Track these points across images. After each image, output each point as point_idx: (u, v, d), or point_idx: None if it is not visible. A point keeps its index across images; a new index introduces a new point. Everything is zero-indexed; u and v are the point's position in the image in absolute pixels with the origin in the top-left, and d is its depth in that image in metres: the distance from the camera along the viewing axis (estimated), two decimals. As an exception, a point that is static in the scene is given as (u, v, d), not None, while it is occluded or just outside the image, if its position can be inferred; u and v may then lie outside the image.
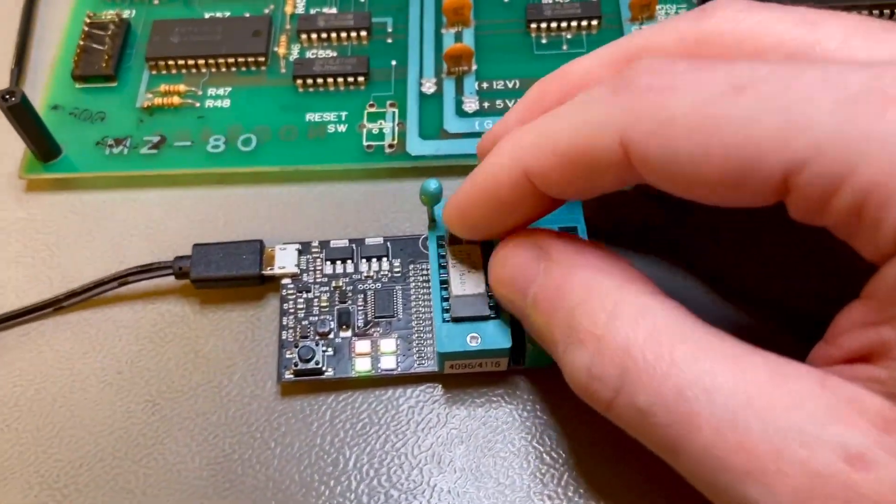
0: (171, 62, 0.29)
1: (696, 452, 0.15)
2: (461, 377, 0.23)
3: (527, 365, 0.22)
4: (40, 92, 0.29)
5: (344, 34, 0.29)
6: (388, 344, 0.23)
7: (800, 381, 0.15)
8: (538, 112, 0.19)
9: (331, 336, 0.23)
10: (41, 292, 0.25)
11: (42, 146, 0.26)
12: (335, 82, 0.28)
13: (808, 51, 0.17)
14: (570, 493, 0.21)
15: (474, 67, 0.28)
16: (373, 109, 0.28)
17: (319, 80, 0.28)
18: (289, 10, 0.30)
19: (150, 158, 0.27)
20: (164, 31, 0.29)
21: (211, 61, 0.29)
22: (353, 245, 0.24)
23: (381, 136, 0.27)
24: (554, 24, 0.29)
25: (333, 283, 0.24)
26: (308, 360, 0.23)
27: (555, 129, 0.18)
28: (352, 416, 0.23)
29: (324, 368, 0.23)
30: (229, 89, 0.28)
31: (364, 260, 0.24)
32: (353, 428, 0.22)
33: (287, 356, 0.23)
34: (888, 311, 0.15)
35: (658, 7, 0.29)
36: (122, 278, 0.24)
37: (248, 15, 0.30)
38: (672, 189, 0.17)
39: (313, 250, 0.24)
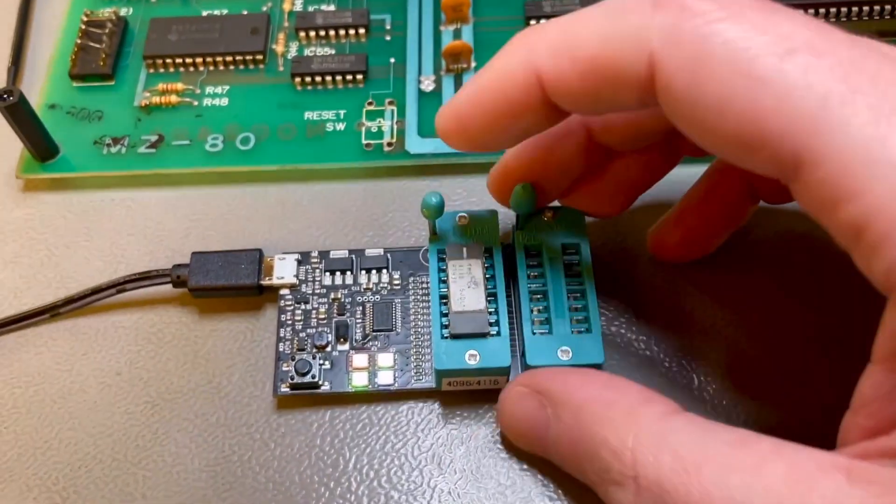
0: (168, 60, 0.29)
1: None
2: (460, 394, 0.22)
3: None
4: (37, 91, 0.29)
5: (342, 31, 0.29)
6: (386, 359, 0.23)
7: (827, 481, 0.15)
8: None
9: (328, 349, 0.23)
10: (39, 293, 0.25)
11: (40, 146, 0.26)
12: (333, 80, 0.28)
13: None
14: (571, 494, 0.21)
15: (473, 65, 0.28)
16: (371, 107, 0.27)
17: (318, 78, 0.28)
18: (287, 7, 0.30)
19: (149, 158, 0.27)
20: (162, 29, 0.29)
21: (209, 59, 0.29)
22: (353, 256, 0.24)
23: (379, 134, 0.27)
24: (554, 21, 0.29)
25: (332, 295, 0.24)
26: (305, 374, 0.22)
27: (579, 32, 0.16)
28: (351, 417, 0.22)
29: (320, 382, 0.22)
30: (227, 87, 0.28)
31: (363, 272, 0.24)
32: (353, 429, 0.22)
33: (283, 369, 0.22)
34: None
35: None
36: (120, 285, 0.24)
37: (245, 12, 0.30)
38: (683, 127, 0.16)
39: (312, 261, 0.24)
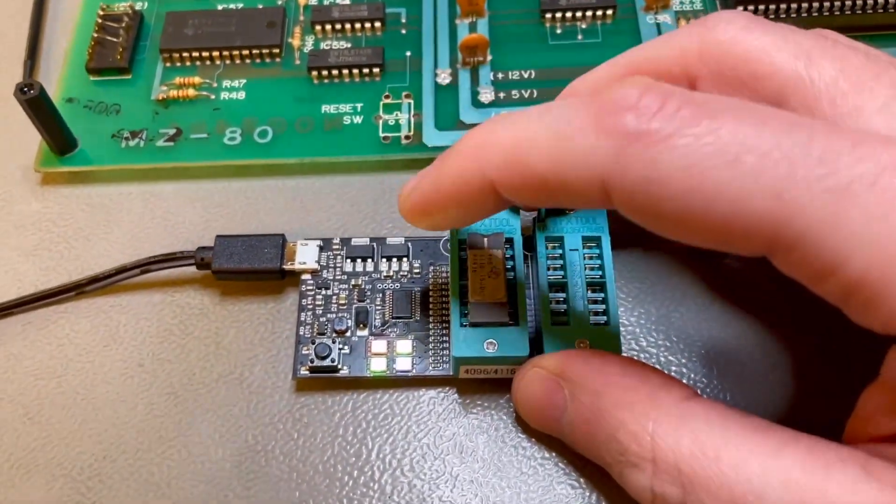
0: (185, 54, 0.29)
1: None
2: (476, 382, 0.23)
3: None
4: (54, 85, 0.29)
5: (358, 25, 0.29)
6: (405, 345, 0.23)
7: (845, 470, 0.15)
8: None
9: (348, 334, 0.23)
10: (60, 284, 0.25)
11: (59, 139, 0.26)
12: (350, 73, 0.28)
13: (800, 84, 0.17)
14: (592, 483, 0.21)
15: (489, 58, 0.28)
16: (388, 101, 0.28)
17: (335, 72, 0.28)
18: (302, 0, 0.30)
19: (167, 151, 0.27)
20: (178, 23, 0.29)
21: (225, 53, 0.29)
22: (374, 244, 0.24)
23: (397, 127, 0.27)
24: (568, 14, 0.29)
25: (353, 282, 0.24)
26: (324, 357, 0.23)
27: (528, 148, 0.17)
28: (373, 406, 0.23)
29: (339, 366, 0.23)
30: (244, 81, 0.28)
31: (384, 259, 0.24)
32: (375, 419, 0.22)
33: (303, 352, 0.23)
34: None
35: (672, -4, 0.29)
36: (145, 266, 0.24)
37: (261, 6, 0.30)
38: (652, 229, 0.16)
39: (334, 247, 0.24)
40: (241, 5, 0.30)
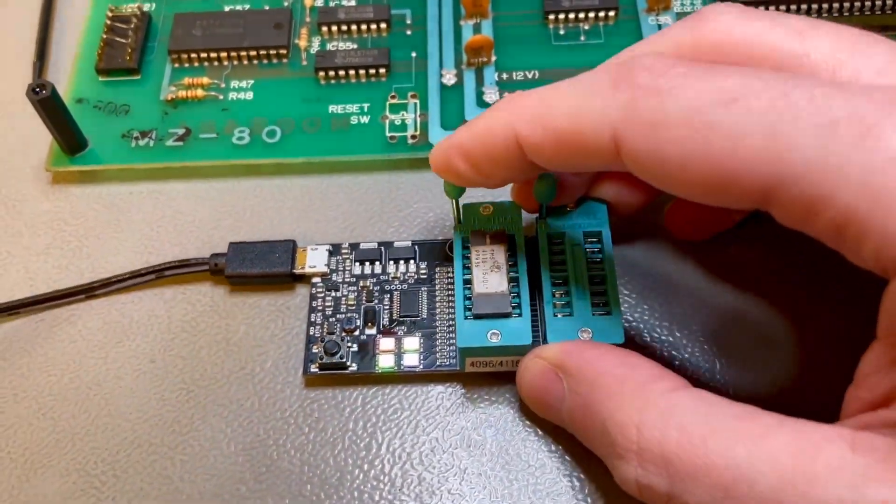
0: (193, 55, 0.29)
1: None
2: (482, 376, 0.23)
3: None
4: (64, 85, 0.29)
5: (364, 26, 0.30)
6: (412, 342, 0.23)
7: (831, 449, 0.15)
8: None
9: (356, 333, 0.24)
10: (72, 283, 0.25)
11: (70, 139, 0.27)
12: (357, 74, 0.29)
13: (797, 61, 0.18)
14: (599, 476, 0.21)
15: (494, 59, 0.29)
16: (395, 101, 0.28)
17: (341, 73, 0.28)
18: (308, 2, 0.31)
19: (176, 150, 0.27)
20: (186, 25, 0.29)
21: (233, 54, 0.29)
22: (382, 248, 0.25)
23: (403, 127, 0.27)
24: (571, 16, 0.29)
25: (361, 284, 0.24)
26: (333, 354, 0.23)
27: (553, 107, 0.18)
28: (382, 401, 0.23)
29: (348, 363, 0.23)
30: (252, 82, 0.29)
31: (392, 262, 0.25)
32: (385, 413, 0.23)
33: (314, 350, 0.23)
34: None
35: (674, -2, 0.30)
36: (159, 271, 0.25)
37: (267, 8, 0.30)
38: (656, 184, 0.17)
39: (343, 251, 0.25)
40: (247, 7, 0.31)
